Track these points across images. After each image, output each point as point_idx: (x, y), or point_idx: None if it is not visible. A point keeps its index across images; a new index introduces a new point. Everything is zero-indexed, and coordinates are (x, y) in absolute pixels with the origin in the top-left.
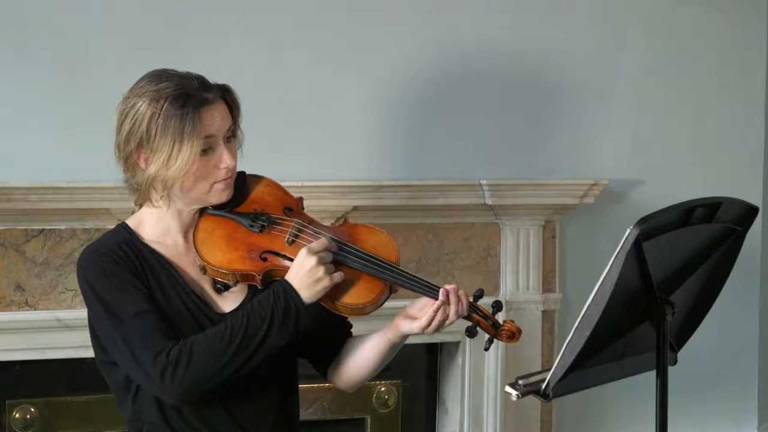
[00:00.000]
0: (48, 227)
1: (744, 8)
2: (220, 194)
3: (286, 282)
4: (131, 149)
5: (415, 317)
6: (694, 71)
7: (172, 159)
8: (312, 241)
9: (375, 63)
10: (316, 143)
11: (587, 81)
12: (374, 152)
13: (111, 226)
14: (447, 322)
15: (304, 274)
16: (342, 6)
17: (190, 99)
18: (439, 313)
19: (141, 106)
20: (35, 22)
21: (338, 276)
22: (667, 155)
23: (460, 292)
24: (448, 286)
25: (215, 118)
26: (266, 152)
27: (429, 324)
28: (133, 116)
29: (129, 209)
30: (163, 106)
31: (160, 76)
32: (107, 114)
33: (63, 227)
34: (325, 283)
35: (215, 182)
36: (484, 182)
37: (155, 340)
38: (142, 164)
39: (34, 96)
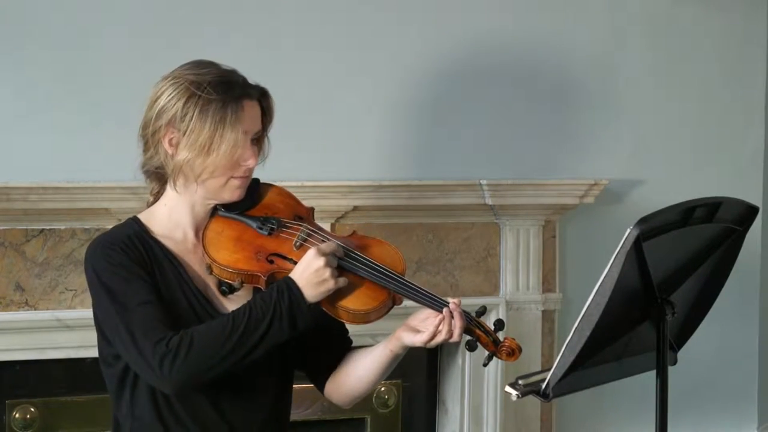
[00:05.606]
0: (48, 227)
1: (744, 8)
2: (233, 191)
3: (291, 279)
4: (160, 125)
5: (417, 329)
6: (694, 71)
7: (214, 145)
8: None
9: (375, 63)
10: (316, 143)
11: (587, 81)
12: (374, 152)
13: (110, 226)
14: (451, 339)
15: (311, 273)
16: (343, 6)
17: (233, 87)
18: (444, 328)
19: (179, 87)
20: (35, 23)
21: (342, 281)
22: (667, 155)
23: (457, 312)
24: (451, 301)
25: (252, 114)
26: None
27: (432, 338)
28: (169, 95)
29: (129, 209)
30: (204, 89)
31: (201, 64)
32: (107, 114)
33: (63, 227)
34: (330, 285)
35: (232, 177)
36: (484, 182)
37: (157, 329)
38: (165, 144)
39: (34, 96)
